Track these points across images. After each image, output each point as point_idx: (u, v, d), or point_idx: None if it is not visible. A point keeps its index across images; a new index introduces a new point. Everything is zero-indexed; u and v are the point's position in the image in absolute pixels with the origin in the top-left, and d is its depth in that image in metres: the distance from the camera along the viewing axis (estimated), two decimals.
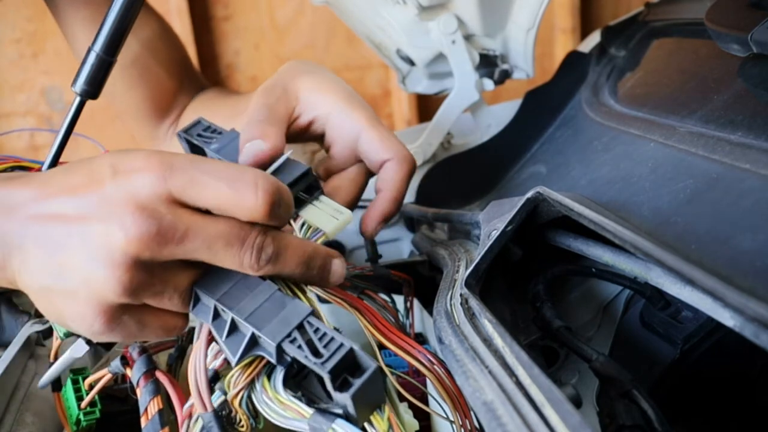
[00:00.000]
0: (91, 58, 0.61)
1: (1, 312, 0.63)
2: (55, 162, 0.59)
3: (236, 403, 0.45)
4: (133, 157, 0.42)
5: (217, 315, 0.45)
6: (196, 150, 0.56)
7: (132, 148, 0.45)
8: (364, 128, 0.58)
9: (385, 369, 0.52)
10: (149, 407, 0.48)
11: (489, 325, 0.45)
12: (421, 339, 0.69)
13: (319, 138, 0.62)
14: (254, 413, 0.45)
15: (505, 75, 0.93)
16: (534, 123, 0.88)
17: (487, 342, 0.44)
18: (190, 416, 0.46)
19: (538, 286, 0.56)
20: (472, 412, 0.48)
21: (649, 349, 0.55)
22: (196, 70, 0.99)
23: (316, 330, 0.43)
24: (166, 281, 0.43)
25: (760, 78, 0.59)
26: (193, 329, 0.48)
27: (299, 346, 0.42)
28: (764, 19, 0.57)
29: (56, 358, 0.54)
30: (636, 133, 0.65)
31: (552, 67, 0.96)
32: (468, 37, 0.90)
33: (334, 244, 0.90)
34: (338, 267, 0.49)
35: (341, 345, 0.41)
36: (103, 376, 0.52)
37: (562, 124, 0.85)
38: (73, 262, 0.42)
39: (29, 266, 0.43)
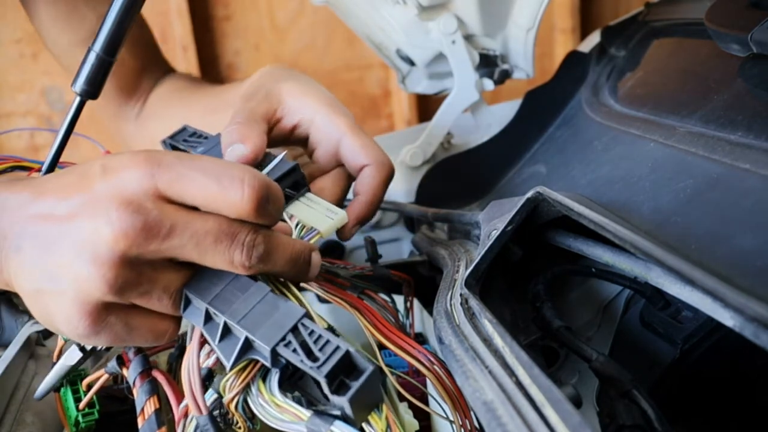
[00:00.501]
0: (91, 58, 0.61)
1: (1, 312, 0.63)
2: (55, 162, 0.59)
3: (232, 407, 0.44)
4: (122, 156, 0.43)
5: (209, 318, 0.44)
6: None
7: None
8: (345, 134, 0.59)
9: (385, 369, 0.52)
10: (146, 407, 0.48)
11: (489, 325, 0.45)
12: (421, 339, 0.69)
13: (303, 142, 0.62)
14: (251, 415, 0.45)
15: (505, 75, 0.93)
16: (534, 123, 0.88)
17: (487, 342, 0.43)
18: (186, 416, 0.45)
19: (538, 286, 0.56)
20: (472, 412, 0.48)
21: (649, 349, 0.55)
22: (161, 53, 0.98)
23: (311, 332, 0.42)
24: (154, 280, 0.43)
25: (760, 78, 0.59)
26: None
27: (294, 350, 0.41)
28: (764, 19, 0.57)
29: (59, 357, 0.54)
30: (636, 133, 0.65)
31: (552, 67, 0.96)
32: (468, 37, 0.90)
33: (334, 244, 0.90)
34: (317, 260, 0.48)
35: (337, 348, 0.41)
36: (100, 376, 0.52)
37: (562, 124, 0.85)
38: (62, 261, 0.42)
39: (24, 268, 0.43)
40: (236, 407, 0.44)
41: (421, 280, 0.68)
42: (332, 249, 0.90)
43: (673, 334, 0.53)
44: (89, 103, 0.60)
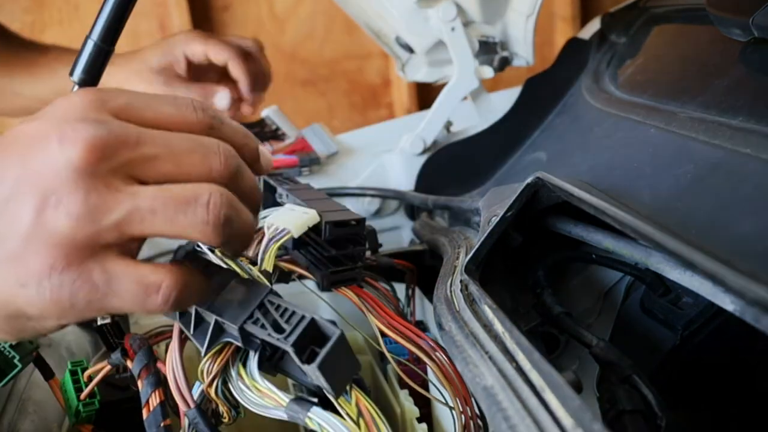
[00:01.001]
0: (89, 47, 0.61)
1: None
2: None
3: (212, 392, 0.45)
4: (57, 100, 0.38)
5: (183, 311, 0.45)
6: None
7: None
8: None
9: (388, 356, 0.52)
10: (150, 399, 0.48)
11: (489, 310, 0.45)
12: (422, 327, 0.69)
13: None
14: (234, 403, 0.45)
15: (505, 62, 0.93)
16: (534, 110, 0.88)
17: (487, 328, 0.43)
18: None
19: (539, 272, 0.56)
20: (472, 399, 0.48)
21: (649, 335, 0.55)
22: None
23: (278, 307, 0.42)
24: (130, 200, 0.36)
25: (761, 62, 0.58)
26: None
27: (262, 325, 0.42)
28: (765, 3, 0.57)
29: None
30: (636, 119, 0.65)
31: (552, 55, 0.96)
32: (467, 24, 0.89)
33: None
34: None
35: (302, 317, 0.41)
36: (102, 368, 0.52)
37: (562, 111, 0.85)
38: (12, 213, 0.35)
39: None
40: (216, 393, 0.45)
41: (423, 269, 0.68)
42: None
43: (674, 320, 0.53)
44: None
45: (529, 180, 0.52)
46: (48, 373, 0.55)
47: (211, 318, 0.43)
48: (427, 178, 0.91)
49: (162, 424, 0.44)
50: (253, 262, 0.47)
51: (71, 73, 0.61)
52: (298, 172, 0.89)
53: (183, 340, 0.46)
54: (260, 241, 0.48)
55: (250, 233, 0.41)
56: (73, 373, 0.55)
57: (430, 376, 0.53)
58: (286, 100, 1.93)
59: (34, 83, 1.04)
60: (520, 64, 0.94)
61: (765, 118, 0.50)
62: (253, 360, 0.44)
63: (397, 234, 0.94)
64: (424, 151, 0.92)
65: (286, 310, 0.42)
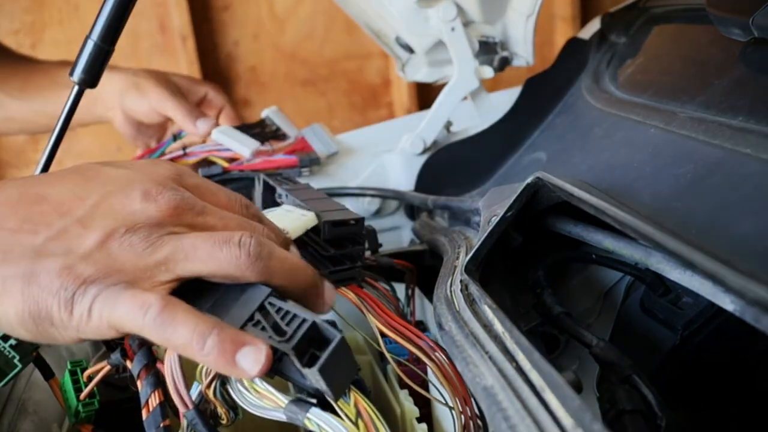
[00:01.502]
0: (89, 47, 0.61)
1: None
2: (54, 151, 0.59)
3: (210, 393, 0.45)
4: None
5: None
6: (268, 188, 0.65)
7: None
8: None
9: (387, 356, 0.52)
10: (150, 400, 0.47)
11: (489, 310, 0.45)
12: (422, 327, 0.69)
13: None
14: (232, 404, 0.45)
15: (505, 62, 0.93)
16: (534, 110, 0.88)
17: (487, 328, 0.43)
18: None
19: (539, 272, 0.56)
20: (472, 399, 0.48)
21: (649, 335, 0.55)
22: None
23: (279, 309, 0.42)
24: (179, 237, 0.42)
25: (761, 62, 0.58)
26: None
27: (263, 328, 0.41)
28: (765, 3, 0.57)
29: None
30: (636, 119, 0.65)
31: (552, 56, 0.96)
32: (467, 24, 0.89)
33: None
34: (330, 292, 0.47)
35: (303, 320, 0.41)
36: (101, 368, 0.52)
37: (562, 111, 0.85)
38: (80, 233, 0.41)
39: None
40: (215, 394, 0.45)
41: (423, 269, 0.68)
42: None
43: (674, 320, 0.53)
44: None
45: (529, 180, 0.52)
46: (48, 373, 0.55)
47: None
48: (427, 178, 0.91)
49: (161, 425, 0.44)
50: None
51: (71, 73, 0.61)
52: (298, 172, 0.88)
53: None
54: None
55: (298, 267, 0.44)
56: (73, 373, 0.55)
57: (430, 376, 0.53)
58: (286, 100, 1.93)
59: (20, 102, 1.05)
60: (520, 64, 0.94)
61: (765, 118, 0.50)
62: None
63: (397, 234, 0.94)
64: (424, 151, 0.92)
65: (287, 312, 0.42)
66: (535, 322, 0.53)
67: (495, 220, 0.52)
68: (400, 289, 0.66)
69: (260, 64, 1.95)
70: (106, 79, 0.64)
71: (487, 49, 0.92)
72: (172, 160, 0.89)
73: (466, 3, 0.87)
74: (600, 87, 0.79)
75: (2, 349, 0.49)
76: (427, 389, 0.54)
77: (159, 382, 0.48)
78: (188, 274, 0.41)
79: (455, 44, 0.88)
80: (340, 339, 0.40)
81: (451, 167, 0.90)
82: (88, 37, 0.61)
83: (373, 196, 0.90)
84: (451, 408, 0.48)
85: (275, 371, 0.44)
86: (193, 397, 0.45)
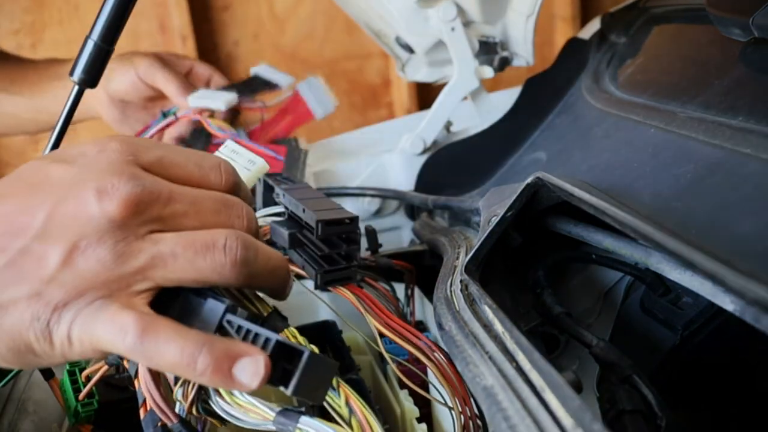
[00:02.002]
0: (89, 47, 0.61)
1: None
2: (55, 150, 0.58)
3: (194, 411, 0.43)
4: (85, 143, 0.41)
5: None
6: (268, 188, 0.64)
7: None
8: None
9: (387, 356, 0.52)
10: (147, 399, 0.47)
11: (489, 310, 0.45)
12: (421, 327, 0.69)
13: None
14: (221, 417, 0.44)
15: (505, 62, 0.93)
16: (534, 110, 0.88)
17: (487, 328, 0.43)
18: None
19: (539, 272, 0.56)
20: (471, 399, 0.48)
21: (649, 335, 0.55)
22: None
23: (238, 329, 0.39)
24: (155, 242, 0.39)
25: (762, 62, 0.58)
26: None
27: None
28: (765, 3, 0.57)
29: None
30: (636, 119, 0.65)
31: (552, 56, 0.96)
32: (467, 24, 0.89)
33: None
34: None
35: (267, 339, 0.39)
36: (100, 368, 0.52)
37: (562, 111, 0.85)
38: (39, 253, 0.37)
39: None
40: (200, 412, 0.43)
41: (423, 269, 0.68)
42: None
43: (674, 320, 0.53)
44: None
45: (529, 180, 0.52)
46: (48, 373, 0.55)
47: None
48: (427, 178, 0.91)
49: (159, 424, 0.44)
50: None
51: (71, 73, 0.61)
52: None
53: None
54: None
55: (279, 266, 0.42)
56: (71, 373, 0.55)
57: (430, 376, 0.53)
58: None
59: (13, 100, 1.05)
60: (520, 64, 0.94)
61: (765, 118, 0.50)
62: None
63: (397, 234, 0.94)
64: (424, 151, 0.92)
65: (248, 332, 0.39)
66: (535, 322, 0.53)
67: (495, 220, 0.52)
68: (400, 289, 0.66)
69: None
70: None
71: (487, 49, 0.92)
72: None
73: (466, 3, 0.87)
74: (600, 87, 0.79)
75: None
76: (426, 389, 0.54)
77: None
78: (167, 283, 0.39)
79: (455, 44, 0.88)
80: (309, 354, 0.38)
81: (451, 167, 0.90)
82: (88, 37, 0.61)
83: (373, 196, 0.90)
84: (450, 408, 0.48)
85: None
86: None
